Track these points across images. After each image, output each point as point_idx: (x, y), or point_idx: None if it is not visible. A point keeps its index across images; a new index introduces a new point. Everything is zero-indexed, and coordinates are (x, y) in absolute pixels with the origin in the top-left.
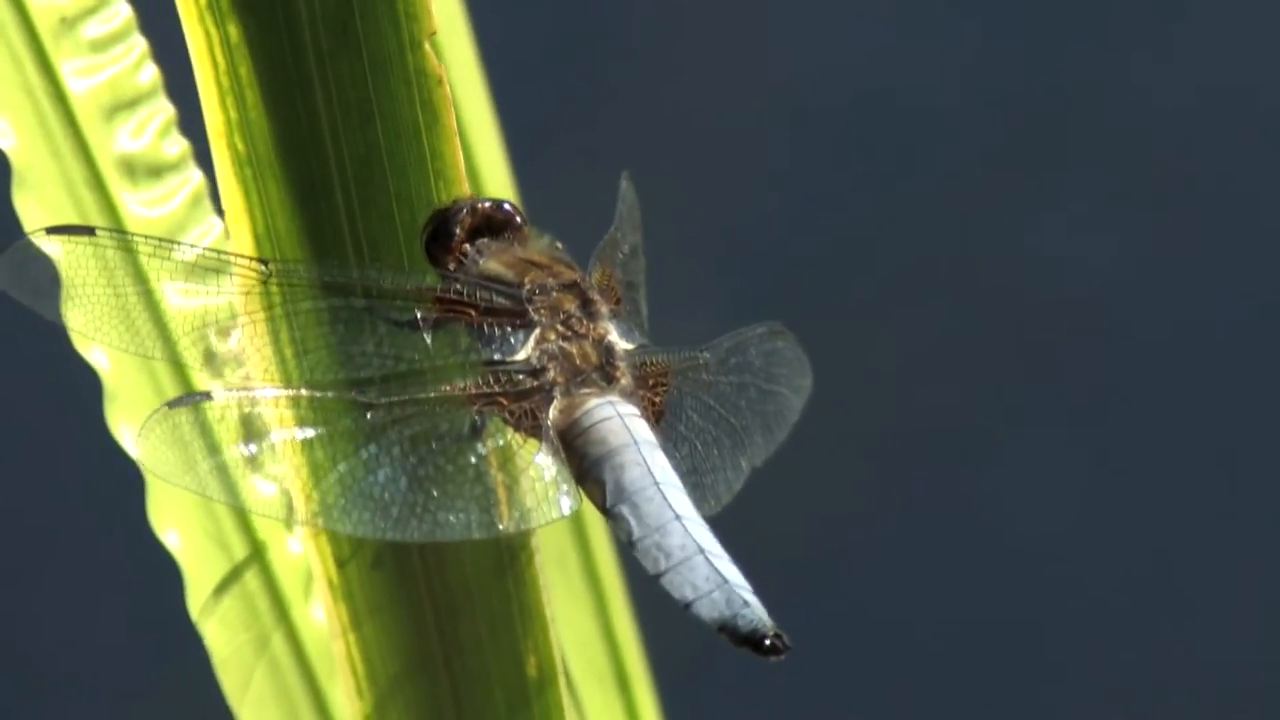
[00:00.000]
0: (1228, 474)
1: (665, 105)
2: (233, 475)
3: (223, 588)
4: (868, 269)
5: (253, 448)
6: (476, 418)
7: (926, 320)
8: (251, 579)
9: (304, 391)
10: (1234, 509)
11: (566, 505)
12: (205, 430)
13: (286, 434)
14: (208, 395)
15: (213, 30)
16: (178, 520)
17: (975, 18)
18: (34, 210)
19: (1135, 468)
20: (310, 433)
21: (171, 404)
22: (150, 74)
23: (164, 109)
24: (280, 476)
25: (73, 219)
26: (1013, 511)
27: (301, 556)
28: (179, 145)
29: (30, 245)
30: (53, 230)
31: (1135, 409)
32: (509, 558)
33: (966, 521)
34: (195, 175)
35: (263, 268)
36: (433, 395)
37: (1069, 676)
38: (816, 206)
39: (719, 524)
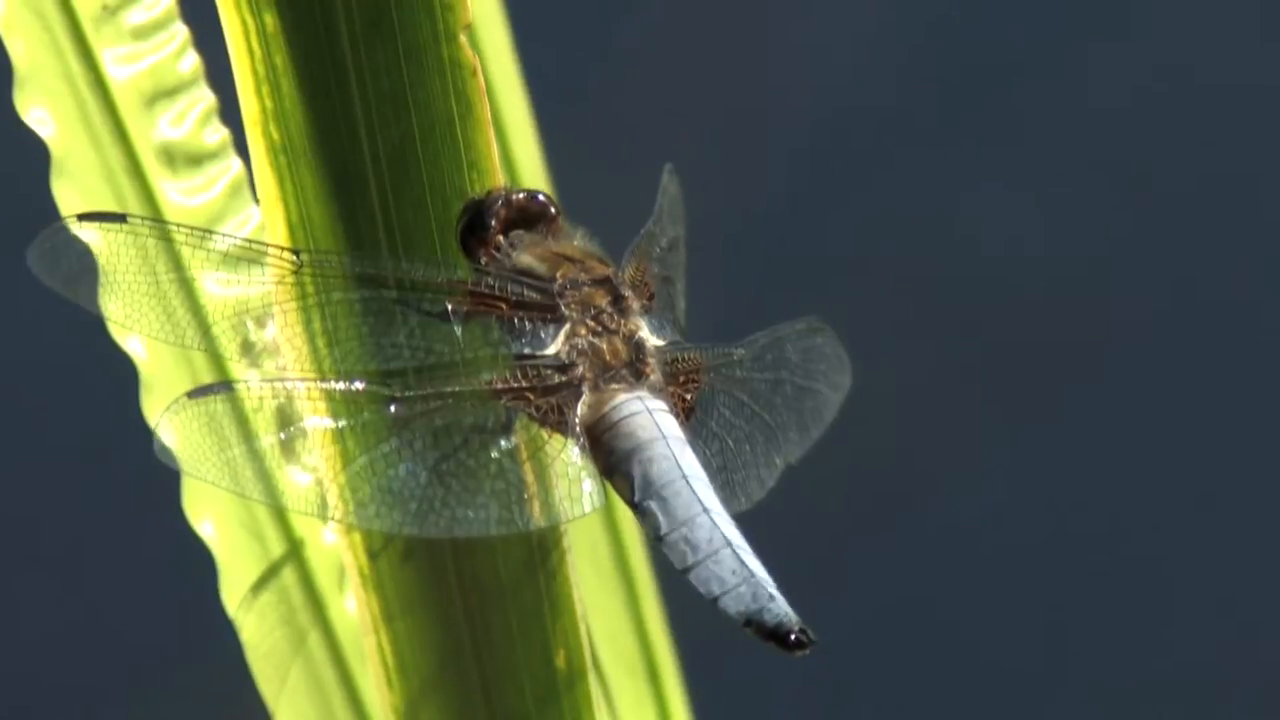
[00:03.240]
0: (1179, 455)
1: (703, 95)
2: (252, 466)
3: (257, 577)
4: (815, 258)
5: (272, 439)
6: (502, 413)
7: (885, 310)
8: (286, 569)
9: (324, 383)
10: (1184, 492)
11: (588, 503)
12: (222, 421)
13: (308, 425)
14: (228, 385)
15: (249, 19)
16: (213, 510)
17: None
18: (73, 198)
19: (1079, 454)
20: (332, 424)
21: (191, 394)
22: (191, 62)
23: (204, 97)
24: (300, 468)
25: (111, 207)
26: (966, 498)
27: (335, 546)
28: (219, 134)
29: (61, 231)
30: (84, 217)
31: (1083, 395)
32: (541, 554)
33: (920, 513)
34: (235, 164)
35: (294, 258)
36: (457, 389)
37: (1029, 667)
38: (776, 199)
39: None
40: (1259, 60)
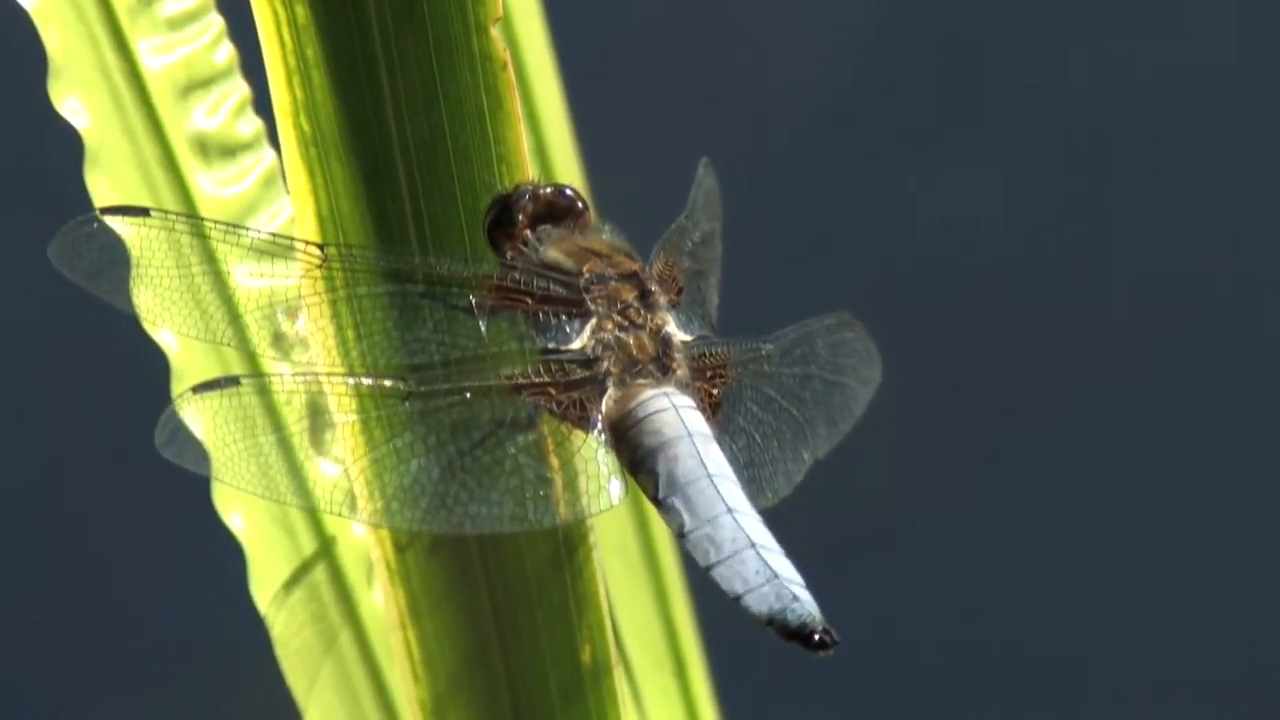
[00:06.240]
0: (1175, 448)
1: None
2: (259, 460)
3: (287, 572)
4: (809, 254)
5: (281, 434)
6: (522, 408)
7: (879, 306)
8: (316, 564)
9: (338, 378)
10: (1182, 489)
11: (605, 501)
12: (227, 416)
13: (321, 421)
14: (236, 380)
15: (280, 10)
16: (241, 503)
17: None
18: (106, 189)
19: (1076, 452)
20: (348, 419)
21: (196, 389)
22: (226, 53)
23: (239, 88)
24: (311, 463)
25: (145, 198)
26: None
27: (364, 540)
28: (253, 125)
29: (82, 225)
30: (106, 210)
31: (1080, 392)
32: (567, 550)
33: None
34: (268, 155)
35: (319, 252)
36: (474, 384)
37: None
38: (761, 195)
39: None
40: (1232, 40)
